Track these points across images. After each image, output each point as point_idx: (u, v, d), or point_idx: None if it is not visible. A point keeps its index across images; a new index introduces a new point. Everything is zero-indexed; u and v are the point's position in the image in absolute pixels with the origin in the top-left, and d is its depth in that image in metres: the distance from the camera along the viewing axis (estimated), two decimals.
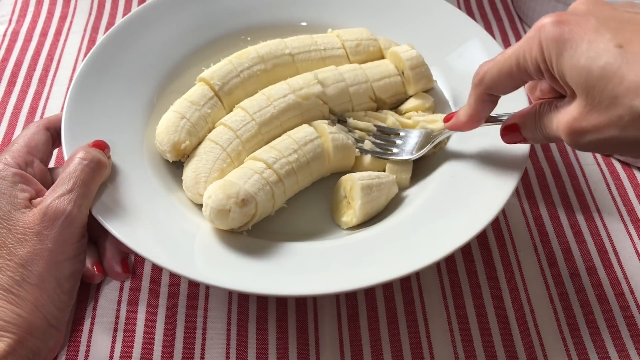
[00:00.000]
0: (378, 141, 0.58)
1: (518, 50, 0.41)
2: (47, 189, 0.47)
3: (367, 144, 0.58)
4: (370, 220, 0.54)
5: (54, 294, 0.45)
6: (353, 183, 0.53)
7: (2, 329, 0.42)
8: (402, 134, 0.58)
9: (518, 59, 0.41)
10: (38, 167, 0.50)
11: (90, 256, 0.51)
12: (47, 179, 0.51)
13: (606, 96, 0.36)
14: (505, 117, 0.48)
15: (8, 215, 0.45)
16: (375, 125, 0.59)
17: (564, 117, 0.40)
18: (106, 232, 0.48)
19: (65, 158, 0.50)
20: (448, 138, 0.57)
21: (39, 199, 0.46)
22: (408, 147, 0.57)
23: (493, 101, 0.47)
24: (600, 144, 0.38)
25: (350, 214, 0.53)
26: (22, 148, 0.50)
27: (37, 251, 0.44)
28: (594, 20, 0.37)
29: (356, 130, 0.59)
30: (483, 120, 0.49)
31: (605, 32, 0.36)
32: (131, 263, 0.56)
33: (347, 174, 0.55)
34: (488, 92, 0.45)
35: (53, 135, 0.53)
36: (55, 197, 0.45)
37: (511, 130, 0.47)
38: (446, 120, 0.52)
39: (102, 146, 0.50)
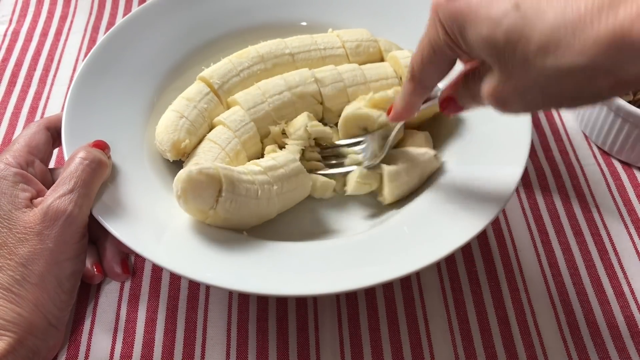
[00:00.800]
0: (329, 161, 0.57)
1: (428, 36, 0.41)
2: (48, 189, 0.47)
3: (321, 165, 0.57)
4: (371, 221, 0.54)
5: (54, 294, 0.45)
6: (383, 169, 0.54)
7: (2, 328, 0.42)
8: (360, 145, 0.57)
9: (431, 44, 0.40)
10: (39, 167, 0.50)
11: (90, 256, 0.51)
12: (48, 179, 0.51)
13: (517, 61, 0.34)
14: (438, 92, 0.48)
15: (9, 215, 0.45)
16: (318, 145, 0.58)
17: (486, 87, 0.39)
18: (106, 232, 0.48)
19: (66, 158, 0.50)
20: (400, 129, 0.56)
21: (39, 199, 0.46)
22: (369, 153, 0.56)
23: (427, 91, 0.46)
24: (527, 104, 0.37)
25: (384, 194, 0.54)
26: (23, 148, 0.50)
27: (37, 251, 0.44)
28: None
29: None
30: (419, 107, 0.49)
31: None
32: (131, 264, 0.56)
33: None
34: (420, 84, 0.45)
35: (53, 135, 0.53)
36: (56, 197, 0.45)
37: (448, 102, 0.46)
38: (387, 113, 0.52)
39: (102, 146, 0.50)
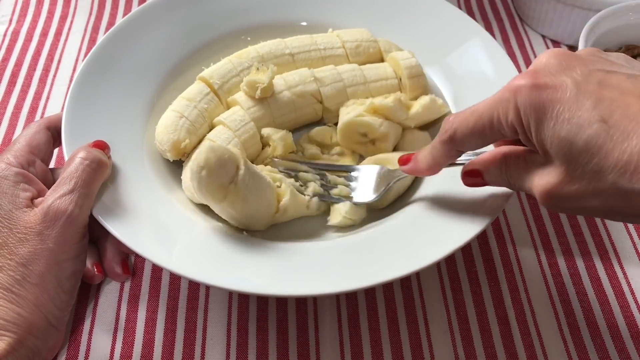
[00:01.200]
0: (324, 183, 0.55)
1: (492, 110, 0.40)
2: (49, 189, 0.47)
3: (312, 186, 0.54)
4: (373, 219, 0.54)
5: (54, 294, 0.45)
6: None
7: (2, 328, 0.42)
8: (354, 174, 0.55)
9: (492, 120, 0.40)
10: (40, 167, 0.50)
11: (91, 257, 0.51)
12: (49, 179, 0.51)
13: (590, 169, 0.35)
14: (465, 161, 0.47)
15: (9, 215, 0.45)
16: (317, 164, 0.56)
17: (541, 181, 0.39)
18: (106, 233, 0.48)
19: (66, 158, 0.50)
20: (406, 180, 0.55)
21: (40, 199, 0.46)
22: (363, 187, 0.53)
23: (458, 155, 0.45)
24: (578, 210, 0.38)
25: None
26: (24, 147, 0.50)
27: (38, 251, 0.44)
28: (570, 84, 0.36)
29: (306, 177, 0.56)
30: (441, 168, 0.47)
31: (584, 100, 0.36)
32: (131, 264, 0.56)
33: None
34: (457, 148, 0.44)
35: (54, 135, 0.53)
36: (57, 197, 0.45)
37: (473, 175, 0.45)
38: (402, 162, 0.49)
39: (102, 146, 0.50)
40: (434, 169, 0.47)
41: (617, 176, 0.34)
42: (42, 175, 0.50)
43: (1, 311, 0.42)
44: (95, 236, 0.52)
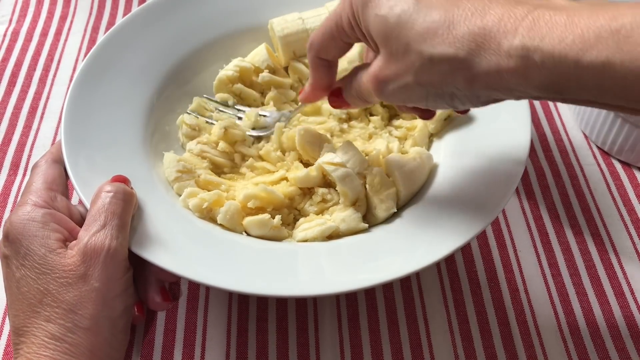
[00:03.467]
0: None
1: (336, 12, 0.43)
2: (76, 223, 0.45)
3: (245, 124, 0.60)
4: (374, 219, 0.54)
5: (109, 335, 0.42)
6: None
7: None
8: (268, 115, 0.60)
9: (336, 19, 0.43)
10: (62, 202, 0.47)
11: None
12: (74, 213, 0.48)
13: (401, 43, 0.38)
14: None
15: (44, 260, 0.42)
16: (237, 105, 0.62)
17: (369, 70, 0.42)
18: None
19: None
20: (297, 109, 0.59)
21: (74, 242, 0.44)
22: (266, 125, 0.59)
23: (328, 66, 0.48)
24: (401, 92, 0.41)
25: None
26: (42, 185, 0.47)
27: (84, 293, 0.41)
28: None
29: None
30: (327, 87, 0.49)
31: None
32: (171, 290, 0.51)
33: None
34: (318, 55, 0.47)
35: (65, 167, 0.50)
36: (92, 234, 0.43)
37: (336, 94, 0.49)
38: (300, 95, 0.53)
39: (122, 180, 0.48)
40: (316, 87, 0.49)
41: (420, 44, 0.37)
42: (66, 211, 0.47)
43: None
44: None
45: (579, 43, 0.33)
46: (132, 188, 0.48)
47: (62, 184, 0.49)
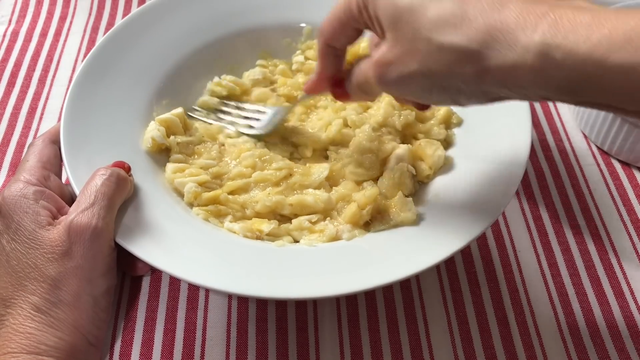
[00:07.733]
0: (237, 119, 0.61)
1: (344, 1, 0.43)
2: (66, 203, 0.46)
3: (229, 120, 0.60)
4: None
5: (92, 313, 0.43)
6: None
7: (44, 353, 0.40)
8: (262, 111, 0.60)
9: (346, 5, 0.43)
10: (55, 182, 0.48)
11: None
12: (65, 192, 0.49)
13: (410, 28, 0.38)
14: None
15: (34, 235, 0.43)
16: (235, 103, 0.62)
17: (373, 56, 0.41)
18: None
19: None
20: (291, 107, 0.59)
21: (62, 217, 0.45)
22: (263, 123, 0.59)
23: (336, 55, 0.47)
24: (404, 79, 0.39)
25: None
26: (36, 164, 0.48)
27: (68, 270, 0.42)
28: None
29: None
30: (332, 78, 0.49)
31: None
32: None
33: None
34: (327, 43, 0.46)
35: (60, 148, 0.51)
36: (79, 212, 0.44)
37: (339, 85, 0.48)
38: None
39: (121, 165, 0.49)
40: (322, 76, 0.49)
41: (430, 31, 0.37)
42: (58, 190, 0.48)
43: (42, 336, 0.41)
44: None
45: (605, 43, 0.31)
46: (130, 175, 0.49)
47: (56, 164, 0.50)
